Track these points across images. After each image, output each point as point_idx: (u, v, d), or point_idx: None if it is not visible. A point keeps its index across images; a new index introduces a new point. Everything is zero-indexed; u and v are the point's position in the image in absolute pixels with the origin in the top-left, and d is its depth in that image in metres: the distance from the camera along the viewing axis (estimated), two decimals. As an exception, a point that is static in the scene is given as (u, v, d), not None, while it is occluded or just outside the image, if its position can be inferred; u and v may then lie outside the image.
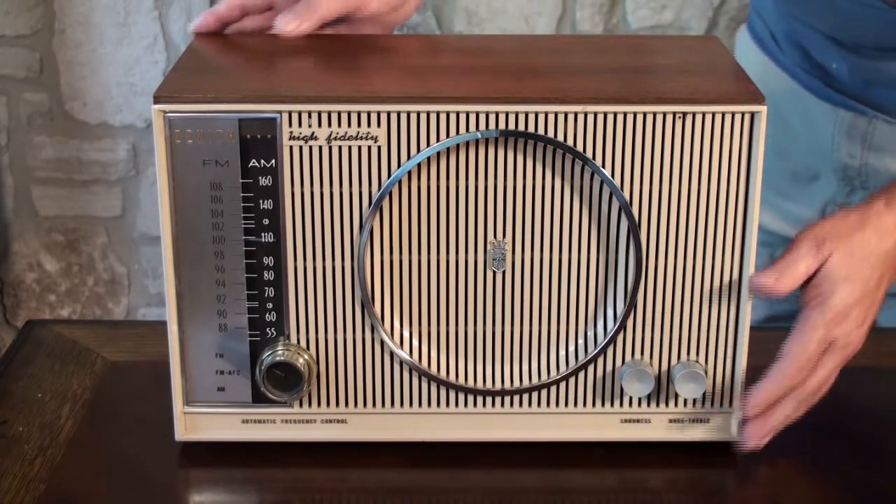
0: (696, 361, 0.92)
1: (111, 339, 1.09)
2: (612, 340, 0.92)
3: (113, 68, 2.32)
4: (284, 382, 0.91)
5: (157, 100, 0.86)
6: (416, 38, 1.10)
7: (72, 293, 2.45)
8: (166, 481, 0.92)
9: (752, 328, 0.92)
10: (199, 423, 0.94)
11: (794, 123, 1.26)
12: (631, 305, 0.91)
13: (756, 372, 0.93)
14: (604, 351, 0.92)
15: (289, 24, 0.97)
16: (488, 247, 0.90)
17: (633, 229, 0.89)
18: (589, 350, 0.92)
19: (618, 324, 0.91)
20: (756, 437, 0.92)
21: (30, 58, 2.32)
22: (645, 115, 0.87)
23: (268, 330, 0.91)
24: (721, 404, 0.93)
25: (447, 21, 2.32)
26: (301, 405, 0.93)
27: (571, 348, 0.93)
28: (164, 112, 0.86)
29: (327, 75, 0.95)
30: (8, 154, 2.37)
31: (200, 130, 0.87)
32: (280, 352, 0.90)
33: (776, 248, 1.36)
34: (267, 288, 0.90)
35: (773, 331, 1.28)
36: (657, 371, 0.92)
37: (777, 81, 1.25)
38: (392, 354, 0.92)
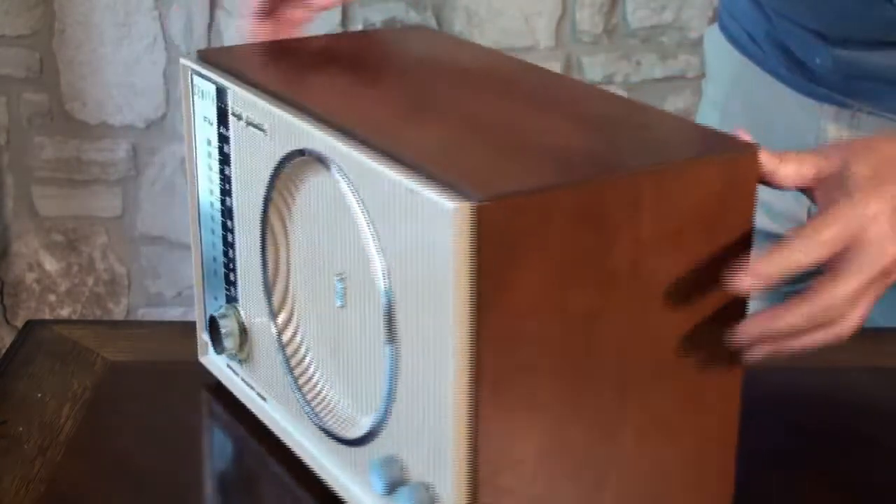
0: (428, 484, 0.73)
1: (111, 339, 1.09)
2: (377, 429, 0.78)
3: (113, 68, 2.32)
4: (217, 337, 0.94)
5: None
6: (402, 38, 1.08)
7: (72, 293, 2.45)
8: (167, 481, 0.92)
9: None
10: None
11: (775, 122, 1.26)
12: (390, 396, 0.75)
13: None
14: (372, 434, 0.78)
15: None
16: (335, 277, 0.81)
17: (389, 314, 0.73)
18: (365, 425, 0.79)
19: (380, 410, 0.76)
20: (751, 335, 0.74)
21: (30, 58, 2.32)
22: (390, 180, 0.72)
23: (230, 289, 0.94)
24: None
25: (447, 21, 2.31)
26: (245, 368, 0.94)
27: (367, 417, 0.79)
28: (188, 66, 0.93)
29: (285, 64, 0.95)
30: (8, 154, 2.37)
31: (201, 88, 0.92)
32: (223, 309, 0.94)
33: (762, 245, 1.36)
34: (229, 249, 0.93)
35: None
36: (404, 478, 0.76)
37: (757, 81, 1.25)
38: (282, 353, 0.87)
